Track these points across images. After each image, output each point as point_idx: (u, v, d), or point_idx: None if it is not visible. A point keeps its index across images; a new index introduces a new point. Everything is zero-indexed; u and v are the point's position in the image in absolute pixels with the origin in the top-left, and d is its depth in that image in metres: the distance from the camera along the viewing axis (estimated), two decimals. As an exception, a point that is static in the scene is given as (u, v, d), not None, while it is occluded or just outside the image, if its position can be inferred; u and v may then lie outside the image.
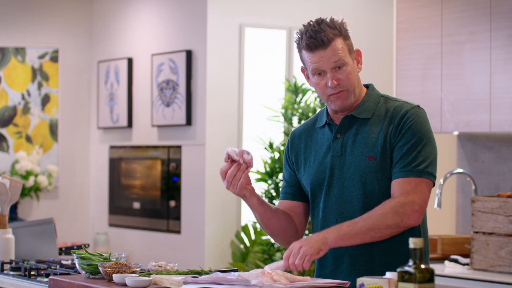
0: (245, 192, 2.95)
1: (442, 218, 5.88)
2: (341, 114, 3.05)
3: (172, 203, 7.21)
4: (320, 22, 2.99)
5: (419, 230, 3.01)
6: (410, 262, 2.30)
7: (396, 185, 2.92)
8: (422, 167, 2.91)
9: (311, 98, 6.78)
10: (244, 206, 7.05)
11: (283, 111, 6.80)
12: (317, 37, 2.95)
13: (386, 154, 2.95)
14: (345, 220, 2.97)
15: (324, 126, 3.09)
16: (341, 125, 3.03)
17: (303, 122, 3.33)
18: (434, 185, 2.96)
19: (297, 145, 3.15)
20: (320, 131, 3.11)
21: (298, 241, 2.84)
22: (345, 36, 2.99)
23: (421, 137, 2.94)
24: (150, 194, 7.47)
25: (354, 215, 2.97)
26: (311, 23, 3.01)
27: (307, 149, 3.12)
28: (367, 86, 3.12)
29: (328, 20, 2.99)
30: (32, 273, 3.71)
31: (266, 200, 6.72)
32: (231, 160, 2.92)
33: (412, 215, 2.88)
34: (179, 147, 7.17)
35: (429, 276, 2.28)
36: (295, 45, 3.13)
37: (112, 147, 7.96)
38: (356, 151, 2.99)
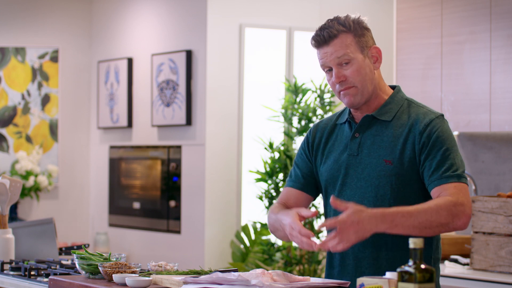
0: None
1: (442, 218, 5.88)
2: (361, 113, 3.02)
3: (172, 203, 7.21)
4: (332, 19, 3.00)
5: (431, 241, 2.96)
6: (410, 262, 2.30)
7: (440, 189, 2.85)
8: (459, 172, 2.87)
9: (311, 98, 6.78)
10: (244, 206, 7.05)
11: (283, 111, 6.80)
12: (321, 33, 2.96)
13: (403, 160, 2.91)
14: None
15: (345, 123, 3.07)
16: (361, 125, 3.01)
17: (329, 115, 3.27)
18: None
19: (319, 138, 3.12)
20: (341, 127, 3.08)
21: (352, 222, 2.65)
22: (356, 33, 2.96)
23: (451, 146, 2.90)
24: (150, 194, 7.47)
25: None
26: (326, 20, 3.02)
27: (327, 144, 3.09)
28: (394, 87, 3.09)
29: (342, 17, 3.00)
30: (32, 273, 3.71)
31: (266, 201, 6.73)
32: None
33: (462, 217, 2.81)
34: (179, 147, 7.17)
35: (429, 276, 2.28)
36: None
37: (112, 147, 7.96)
38: (374, 153, 2.96)
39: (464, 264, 4.84)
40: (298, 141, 6.85)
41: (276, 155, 6.78)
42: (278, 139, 6.97)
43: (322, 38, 2.95)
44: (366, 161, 2.96)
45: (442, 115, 2.97)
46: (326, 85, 6.76)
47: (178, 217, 7.15)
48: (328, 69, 2.98)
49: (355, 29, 2.97)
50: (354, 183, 2.98)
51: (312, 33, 3.04)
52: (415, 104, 3.02)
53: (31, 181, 7.81)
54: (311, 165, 3.12)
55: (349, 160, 3.00)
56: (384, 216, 2.73)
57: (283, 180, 6.72)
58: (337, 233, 2.67)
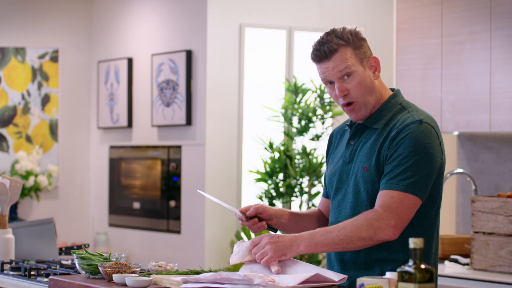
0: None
1: (442, 218, 5.87)
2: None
3: (172, 203, 7.21)
4: (330, 33, 3.01)
5: (431, 241, 2.98)
6: (410, 262, 2.30)
7: (380, 196, 2.88)
8: (408, 182, 2.84)
9: (311, 98, 6.78)
10: (244, 206, 7.03)
11: (283, 111, 6.80)
12: (321, 48, 2.98)
13: (378, 166, 2.93)
14: None
15: (348, 128, 3.13)
16: (354, 132, 3.06)
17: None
18: (421, 201, 2.87)
19: (333, 144, 3.20)
20: (346, 132, 3.14)
21: (270, 237, 2.85)
22: (354, 45, 2.99)
23: (415, 151, 2.86)
24: (150, 194, 7.47)
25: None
26: (322, 34, 3.03)
27: (335, 149, 3.17)
28: (393, 90, 3.09)
29: (339, 30, 3.01)
30: (32, 273, 3.71)
31: (266, 201, 6.72)
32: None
33: (386, 229, 2.82)
34: (179, 147, 7.17)
35: (429, 276, 2.28)
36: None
37: (112, 147, 7.96)
38: (358, 160, 3.00)
39: (464, 264, 4.84)
40: (298, 141, 6.85)
41: (276, 155, 6.78)
42: (278, 139, 6.97)
43: (323, 53, 2.97)
44: (353, 168, 3.01)
45: (421, 120, 2.92)
46: (326, 85, 6.75)
47: (178, 217, 7.15)
48: (329, 82, 3.00)
49: (354, 42, 3.00)
50: (344, 189, 3.04)
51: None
52: (405, 110, 3.00)
53: (31, 181, 7.81)
54: None
55: (342, 167, 3.06)
56: (301, 236, 2.86)
57: (283, 180, 6.72)
58: (256, 242, 2.88)
